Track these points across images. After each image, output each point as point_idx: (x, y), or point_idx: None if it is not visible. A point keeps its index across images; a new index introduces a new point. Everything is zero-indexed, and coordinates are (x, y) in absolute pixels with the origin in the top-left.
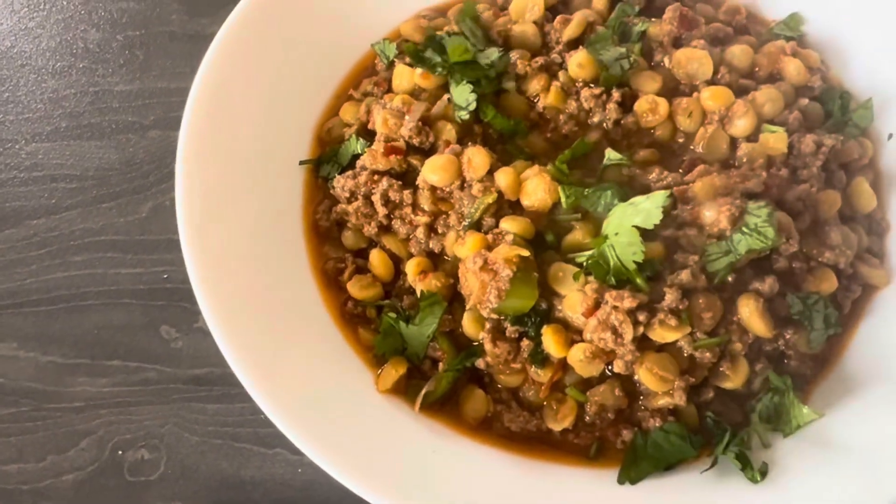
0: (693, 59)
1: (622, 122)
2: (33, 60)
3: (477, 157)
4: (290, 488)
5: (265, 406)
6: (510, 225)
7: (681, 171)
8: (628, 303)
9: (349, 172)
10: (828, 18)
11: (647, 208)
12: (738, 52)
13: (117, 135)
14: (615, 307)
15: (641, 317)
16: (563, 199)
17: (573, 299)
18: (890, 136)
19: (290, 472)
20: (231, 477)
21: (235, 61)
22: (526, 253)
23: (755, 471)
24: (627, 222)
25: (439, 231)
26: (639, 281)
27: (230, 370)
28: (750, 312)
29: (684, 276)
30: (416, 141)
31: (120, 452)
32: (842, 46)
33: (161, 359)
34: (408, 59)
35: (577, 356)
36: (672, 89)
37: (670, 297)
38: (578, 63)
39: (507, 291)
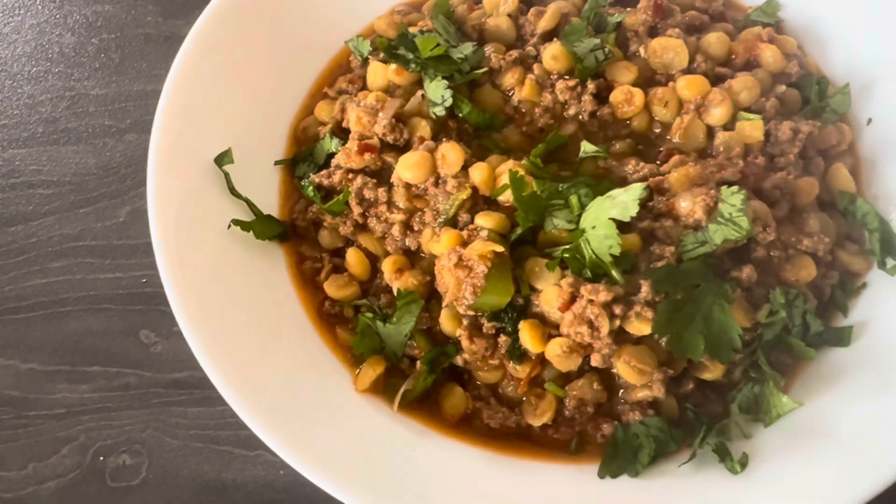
0: (668, 49)
1: (598, 113)
2: (9, 66)
3: (451, 153)
4: (273, 490)
5: (241, 411)
6: (485, 221)
7: (658, 161)
8: (604, 296)
9: (323, 172)
10: (805, 4)
11: (624, 201)
12: (714, 40)
13: (94, 139)
14: (591, 301)
15: (618, 310)
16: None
17: (549, 294)
18: (869, 120)
19: (272, 473)
20: (213, 480)
21: (207, 62)
22: (500, 248)
23: (735, 462)
24: (604, 215)
25: (415, 228)
26: (615, 274)
27: None
28: None
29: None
30: (389, 138)
31: (101, 458)
32: (819, 32)
33: (141, 363)
34: (381, 56)
35: (555, 351)
36: (648, 79)
37: (646, 290)
38: (552, 55)
39: (483, 288)
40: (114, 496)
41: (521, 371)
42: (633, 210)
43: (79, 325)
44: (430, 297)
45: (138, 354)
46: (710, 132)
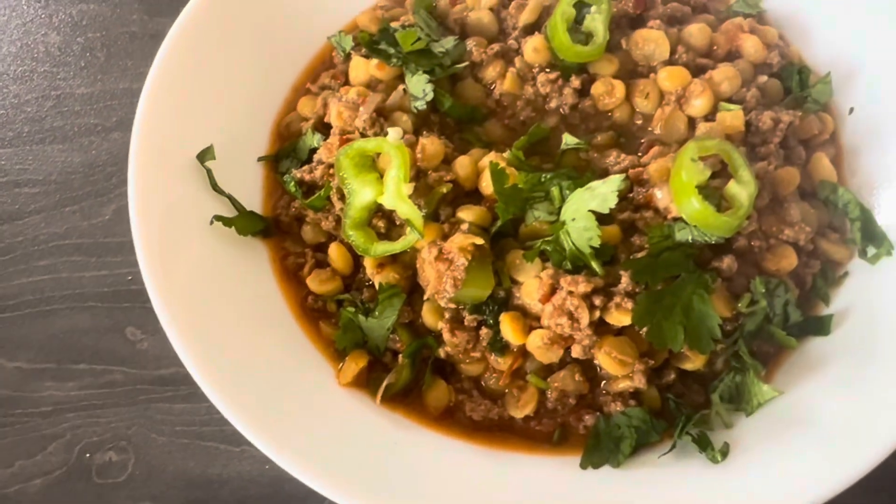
0: (649, 40)
1: (579, 105)
2: None
3: (430, 147)
4: (258, 485)
5: (223, 407)
6: (466, 214)
7: (639, 153)
8: (583, 287)
9: (305, 167)
10: None
11: (603, 192)
12: (696, 31)
13: (80, 138)
14: (570, 292)
15: (598, 301)
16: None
17: (530, 286)
18: (851, 110)
19: (258, 468)
20: (198, 476)
21: (189, 59)
22: (480, 241)
23: (716, 451)
24: (584, 207)
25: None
26: (594, 265)
27: None
28: None
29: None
30: (370, 132)
31: (88, 455)
32: (801, 22)
33: (127, 360)
34: (364, 51)
35: (536, 343)
36: (630, 71)
37: (626, 281)
38: (534, 48)
39: (463, 280)
40: (100, 492)
41: (503, 363)
42: (612, 202)
43: (65, 323)
44: (413, 291)
45: (124, 351)
46: (692, 123)
